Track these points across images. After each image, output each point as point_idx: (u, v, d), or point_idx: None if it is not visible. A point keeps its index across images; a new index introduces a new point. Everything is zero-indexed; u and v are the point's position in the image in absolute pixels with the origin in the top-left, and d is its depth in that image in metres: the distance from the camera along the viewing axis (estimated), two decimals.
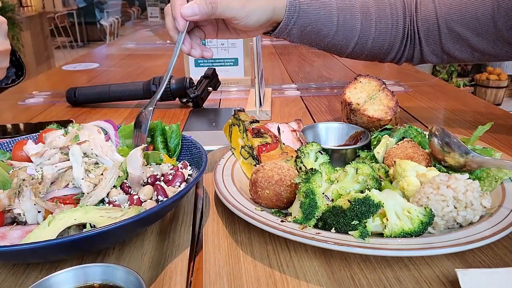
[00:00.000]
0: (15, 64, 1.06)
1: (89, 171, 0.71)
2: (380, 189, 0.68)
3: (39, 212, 0.65)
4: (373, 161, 0.82)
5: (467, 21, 1.01)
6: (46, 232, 0.58)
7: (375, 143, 0.86)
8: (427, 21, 1.05)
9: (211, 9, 0.84)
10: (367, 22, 1.05)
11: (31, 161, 0.75)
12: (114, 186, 0.70)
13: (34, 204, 0.64)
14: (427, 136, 0.84)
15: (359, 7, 1.04)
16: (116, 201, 0.68)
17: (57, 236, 0.58)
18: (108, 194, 0.68)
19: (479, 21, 1.00)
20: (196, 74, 1.49)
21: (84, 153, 0.73)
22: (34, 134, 0.87)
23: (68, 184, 0.70)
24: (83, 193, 0.68)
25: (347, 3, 1.04)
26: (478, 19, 1.00)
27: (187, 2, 0.84)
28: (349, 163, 0.72)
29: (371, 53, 1.09)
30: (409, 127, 0.86)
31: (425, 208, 0.61)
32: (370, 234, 0.59)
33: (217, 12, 0.85)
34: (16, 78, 1.06)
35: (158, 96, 0.86)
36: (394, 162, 0.73)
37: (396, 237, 0.59)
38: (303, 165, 0.75)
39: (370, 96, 0.94)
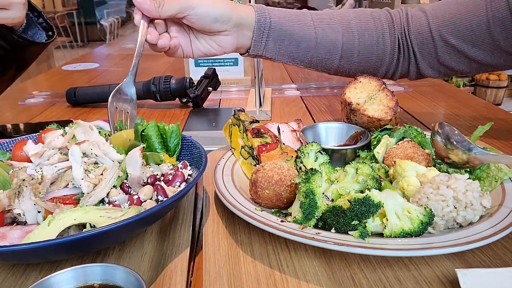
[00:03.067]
0: (43, 26, 1.16)
1: (88, 171, 0.71)
2: (380, 189, 0.68)
3: (39, 212, 0.65)
4: (373, 161, 0.82)
5: (462, 33, 1.00)
6: (46, 232, 0.58)
7: (375, 143, 0.86)
8: (420, 34, 1.04)
9: (159, 2, 0.87)
10: (349, 35, 1.03)
11: (31, 161, 0.75)
12: (114, 186, 0.70)
13: (34, 204, 0.64)
14: (428, 135, 0.85)
15: (338, 20, 1.03)
16: (116, 201, 0.68)
17: (57, 236, 0.58)
18: (108, 194, 0.68)
19: (474, 32, 0.99)
20: (196, 74, 1.49)
21: (84, 153, 0.73)
22: (34, 134, 0.87)
23: (68, 184, 0.70)
24: (83, 193, 0.68)
25: (324, 16, 1.03)
26: (473, 30, 0.99)
27: None
28: (349, 163, 0.72)
29: (359, 68, 1.07)
30: (409, 127, 0.86)
31: (425, 208, 0.61)
32: (370, 234, 0.59)
33: (165, 3, 0.87)
34: (48, 38, 1.16)
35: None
36: (394, 162, 0.73)
37: (396, 237, 0.59)
38: (303, 165, 0.75)
39: (370, 96, 0.94)
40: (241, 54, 1.02)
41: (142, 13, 0.88)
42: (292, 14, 1.01)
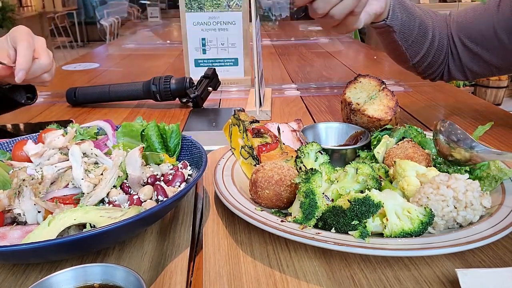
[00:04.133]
0: (26, 87, 1.10)
1: (88, 171, 0.71)
2: (380, 189, 0.68)
3: (39, 212, 0.65)
4: (373, 161, 0.82)
5: (474, 37, 1.05)
6: (46, 232, 0.58)
7: (375, 143, 0.86)
8: (447, 37, 1.09)
9: None
10: (434, 32, 1.08)
11: (31, 161, 0.75)
12: (114, 186, 0.70)
13: (34, 204, 0.64)
14: (428, 135, 0.85)
15: (430, 17, 1.08)
16: (116, 201, 0.68)
17: (57, 236, 0.58)
18: (108, 194, 0.68)
19: (485, 36, 1.02)
20: (196, 74, 1.49)
21: (84, 153, 0.73)
22: (34, 134, 0.87)
23: (68, 184, 0.70)
24: (83, 193, 0.68)
25: (423, 9, 1.08)
26: (483, 34, 1.02)
27: None
28: (349, 163, 0.72)
29: (428, 66, 1.12)
30: (409, 127, 0.86)
31: (425, 208, 0.61)
32: (370, 234, 0.59)
33: None
34: (29, 100, 1.12)
35: None
36: (394, 162, 0.73)
37: (396, 237, 0.59)
38: (303, 165, 0.75)
39: (370, 96, 0.94)
40: (372, 23, 1.02)
41: None
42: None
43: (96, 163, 0.74)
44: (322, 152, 0.77)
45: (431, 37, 1.08)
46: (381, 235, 0.61)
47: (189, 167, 0.79)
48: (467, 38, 1.05)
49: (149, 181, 0.73)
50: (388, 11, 1.00)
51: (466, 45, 1.06)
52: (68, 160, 0.72)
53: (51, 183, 0.69)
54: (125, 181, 0.72)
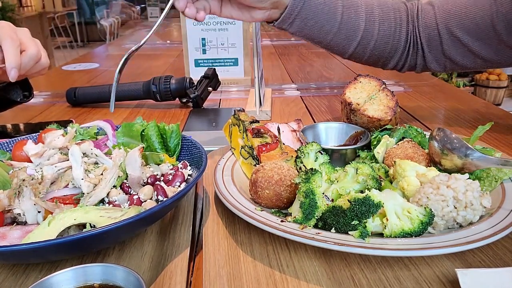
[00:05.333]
0: (22, 85, 1.09)
1: (89, 171, 0.71)
2: (380, 189, 0.68)
3: (39, 212, 0.65)
4: (373, 161, 0.82)
5: (467, 26, 1.01)
6: (46, 232, 0.58)
7: (375, 143, 0.86)
8: (428, 27, 1.05)
9: None
10: (370, 23, 1.04)
11: (31, 161, 0.75)
12: (114, 186, 0.70)
13: (34, 204, 0.64)
14: (428, 135, 0.85)
15: (364, 7, 1.04)
16: (116, 201, 0.68)
17: (57, 236, 0.58)
18: (108, 194, 0.68)
19: (479, 26, 0.99)
20: (196, 74, 1.49)
21: (84, 153, 0.73)
22: (34, 134, 0.87)
23: (68, 184, 0.70)
24: (83, 193, 0.68)
25: (353, 2, 1.04)
26: (478, 24, 0.99)
27: None
28: (349, 163, 0.72)
29: (372, 56, 1.09)
30: (409, 127, 0.86)
31: (425, 208, 0.61)
32: (370, 234, 0.59)
33: None
34: (24, 98, 1.10)
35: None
36: (394, 162, 0.73)
37: (396, 237, 0.59)
38: (303, 165, 0.75)
39: (370, 96, 0.94)
40: (267, 22, 1.03)
41: None
42: None
43: (96, 163, 0.74)
44: (322, 152, 0.77)
45: (363, 29, 1.03)
46: (381, 235, 0.61)
47: (189, 167, 0.79)
48: (457, 27, 1.01)
49: (149, 181, 0.73)
50: (280, 15, 0.99)
51: (455, 34, 1.01)
52: (68, 160, 0.72)
53: (51, 183, 0.69)
54: (125, 181, 0.72)
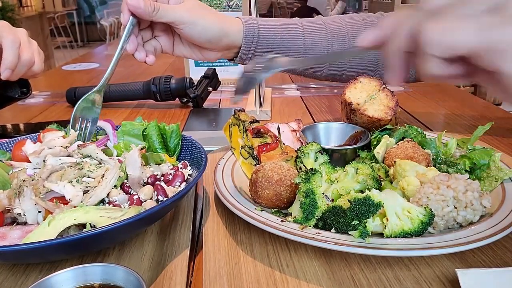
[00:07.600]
0: (20, 83, 1.10)
1: (90, 171, 0.70)
2: (380, 189, 0.68)
3: (39, 212, 0.65)
4: (373, 161, 0.82)
5: None
6: (46, 232, 0.58)
7: (375, 143, 0.86)
8: None
9: (154, 7, 0.84)
10: (339, 43, 1.03)
11: (30, 162, 0.75)
12: (114, 186, 0.70)
13: (35, 204, 0.64)
14: (428, 135, 0.85)
15: (330, 28, 1.03)
16: (116, 201, 0.68)
17: (57, 236, 0.58)
18: (108, 194, 0.68)
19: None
20: (196, 74, 1.49)
21: (88, 155, 0.74)
22: (34, 134, 0.87)
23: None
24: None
25: (314, 25, 1.03)
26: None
27: None
28: (349, 163, 0.72)
29: (352, 73, 1.07)
30: (409, 127, 0.86)
31: (425, 208, 0.61)
32: (370, 234, 0.59)
33: (161, 9, 0.85)
34: (22, 95, 1.11)
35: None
36: (394, 162, 0.73)
37: (396, 237, 0.59)
38: (303, 165, 0.75)
39: (370, 96, 0.94)
40: (228, 60, 1.03)
41: (132, 13, 0.85)
42: (282, 24, 1.02)
43: (99, 163, 0.74)
44: (322, 152, 0.77)
45: (331, 50, 1.03)
46: (381, 235, 0.61)
47: (189, 167, 0.79)
48: None
49: (149, 181, 0.73)
50: (236, 54, 0.99)
51: None
52: (68, 157, 0.72)
53: (50, 174, 0.69)
54: (125, 181, 0.72)
